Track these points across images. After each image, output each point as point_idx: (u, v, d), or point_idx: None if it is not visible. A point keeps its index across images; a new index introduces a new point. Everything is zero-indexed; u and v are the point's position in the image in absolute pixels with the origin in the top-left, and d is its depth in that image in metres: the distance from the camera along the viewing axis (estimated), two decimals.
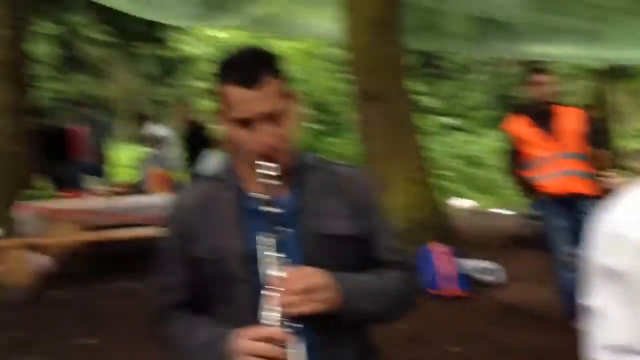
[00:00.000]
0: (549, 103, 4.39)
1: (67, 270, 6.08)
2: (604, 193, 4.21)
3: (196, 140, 9.18)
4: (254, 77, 1.36)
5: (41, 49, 12.97)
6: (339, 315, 1.35)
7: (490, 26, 8.21)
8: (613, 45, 8.26)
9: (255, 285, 1.37)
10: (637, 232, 1.07)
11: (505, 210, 10.98)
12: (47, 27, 12.88)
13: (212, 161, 7.37)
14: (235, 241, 1.42)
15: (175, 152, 9.57)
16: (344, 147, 14.00)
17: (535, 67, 4.92)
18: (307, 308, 1.29)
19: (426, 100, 14.72)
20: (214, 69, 1.45)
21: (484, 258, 5.77)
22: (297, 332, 1.28)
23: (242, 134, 1.39)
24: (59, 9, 12.06)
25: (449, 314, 4.77)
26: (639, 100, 16.91)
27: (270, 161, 1.38)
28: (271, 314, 1.29)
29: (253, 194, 1.43)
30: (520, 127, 4.44)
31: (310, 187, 1.48)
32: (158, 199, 6.19)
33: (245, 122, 1.38)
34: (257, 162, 1.39)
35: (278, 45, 14.60)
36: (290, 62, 14.63)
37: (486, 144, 14.44)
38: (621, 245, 1.08)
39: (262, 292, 1.33)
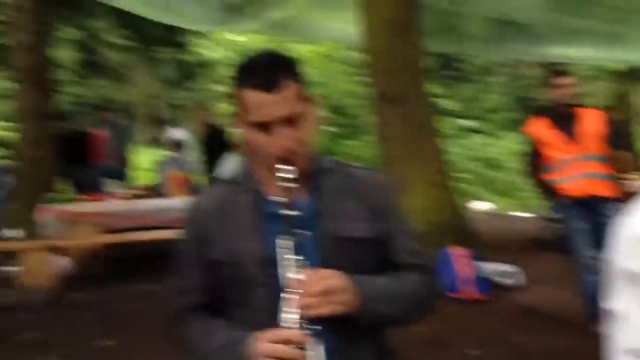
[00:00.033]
0: (570, 105, 4.35)
1: (87, 273, 6.15)
2: (625, 196, 4.16)
3: (215, 144, 9.24)
4: (273, 80, 1.36)
5: (62, 53, 13.13)
6: (357, 317, 1.35)
7: (509, 28, 8.17)
8: (634, 46, 8.16)
9: (273, 288, 1.37)
10: None
11: (525, 212, 10.89)
12: (69, 32, 13.04)
13: (230, 165, 7.41)
14: (254, 244, 1.42)
15: (193, 156, 9.64)
16: (362, 150, 13.99)
17: (556, 69, 4.89)
18: (325, 310, 1.29)
19: (445, 103, 14.67)
20: (232, 72, 1.46)
21: (504, 261, 5.73)
22: (316, 335, 1.28)
23: (260, 138, 1.40)
24: (80, 14, 12.20)
25: (468, 317, 4.74)
26: None
27: (288, 164, 1.38)
28: (289, 316, 1.29)
29: (271, 197, 1.44)
30: (541, 129, 4.40)
31: (327, 190, 1.48)
32: (177, 202, 6.24)
33: (263, 126, 1.38)
34: (275, 165, 1.39)
35: (296, 49, 14.65)
36: (308, 65, 14.66)
37: (505, 147, 14.35)
38: None
39: (280, 295, 1.33)
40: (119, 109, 15.82)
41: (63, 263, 6.11)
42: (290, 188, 1.38)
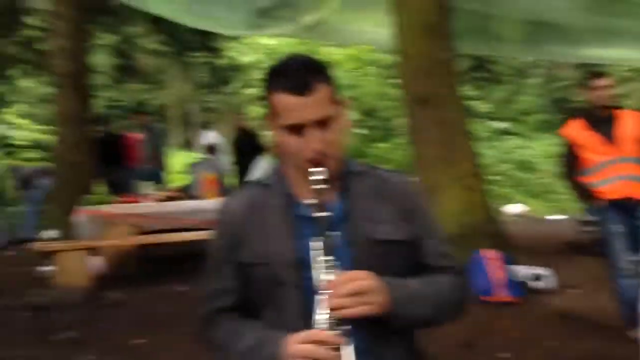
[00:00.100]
0: (607, 107, 4.28)
1: (121, 273, 6.24)
2: None
3: (247, 147, 9.32)
4: (305, 83, 1.37)
5: (99, 59, 13.38)
6: (387, 318, 1.35)
7: (544, 29, 8.06)
8: None
9: (304, 289, 1.39)
10: None
11: (558, 215, 10.75)
12: (105, 38, 13.29)
13: (262, 167, 7.48)
14: (285, 246, 1.43)
15: (226, 158, 9.73)
16: (393, 153, 13.96)
17: (593, 71, 4.81)
18: (356, 311, 1.29)
19: (478, 105, 14.55)
20: (263, 76, 1.47)
21: (537, 264, 5.66)
22: (346, 335, 1.29)
23: (291, 141, 1.41)
24: (116, 20, 12.44)
25: (500, 320, 4.69)
26: None
27: (319, 167, 1.39)
28: (321, 317, 1.30)
29: (302, 199, 1.45)
30: (577, 131, 4.34)
31: (358, 192, 1.49)
32: (209, 204, 6.31)
33: (295, 129, 1.39)
34: (307, 168, 1.40)
35: (327, 51, 14.68)
36: (339, 68, 14.69)
37: (538, 149, 14.18)
38: None
39: (312, 296, 1.34)
40: (153, 112, 16.08)
41: (98, 263, 6.22)
42: (321, 190, 1.39)
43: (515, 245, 6.25)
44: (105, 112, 12.90)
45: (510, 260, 5.46)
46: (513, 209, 11.28)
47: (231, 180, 9.37)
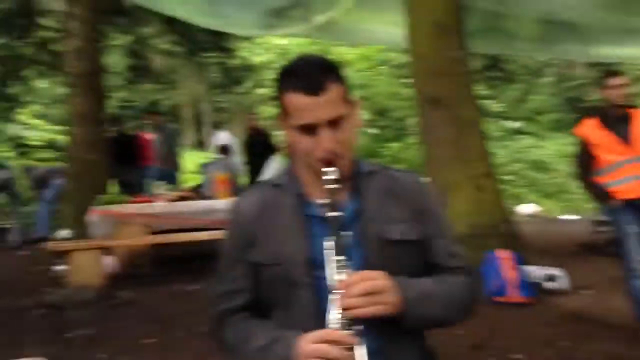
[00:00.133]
0: (622, 106, 4.25)
1: (134, 272, 6.28)
2: None
3: (259, 147, 9.34)
4: (317, 83, 1.37)
5: (112, 59, 13.46)
6: (399, 319, 1.35)
7: (557, 28, 8.02)
8: None
9: (316, 289, 1.39)
10: None
11: (572, 215, 10.68)
12: (118, 38, 13.37)
13: (274, 167, 7.49)
14: (297, 246, 1.43)
15: (238, 158, 9.75)
16: (405, 152, 13.92)
17: (608, 70, 4.77)
18: (369, 311, 1.29)
19: (490, 104, 14.48)
20: (275, 76, 1.47)
21: (550, 265, 5.62)
22: (359, 335, 1.29)
23: (304, 140, 1.41)
24: (129, 21, 12.51)
25: (512, 321, 4.67)
26: None
27: (331, 167, 1.39)
28: (333, 316, 1.30)
29: (314, 199, 1.45)
30: (592, 130, 4.31)
31: (369, 192, 1.49)
32: (221, 204, 6.33)
33: (307, 129, 1.39)
34: (319, 167, 1.40)
35: (339, 51, 14.68)
36: (351, 68, 14.69)
37: (552, 148, 14.09)
38: None
39: (324, 296, 1.35)
40: (166, 112, 16.15)
41: (111, 262, 6.26)
42: (333, 190, 1.39)
43: (528, 246, 6.22)
44: (119, 113, 12.97)
45: (523, 260, 5.44)
46: (526, 209, 11.23)
47: (243, 180, 9.39)
